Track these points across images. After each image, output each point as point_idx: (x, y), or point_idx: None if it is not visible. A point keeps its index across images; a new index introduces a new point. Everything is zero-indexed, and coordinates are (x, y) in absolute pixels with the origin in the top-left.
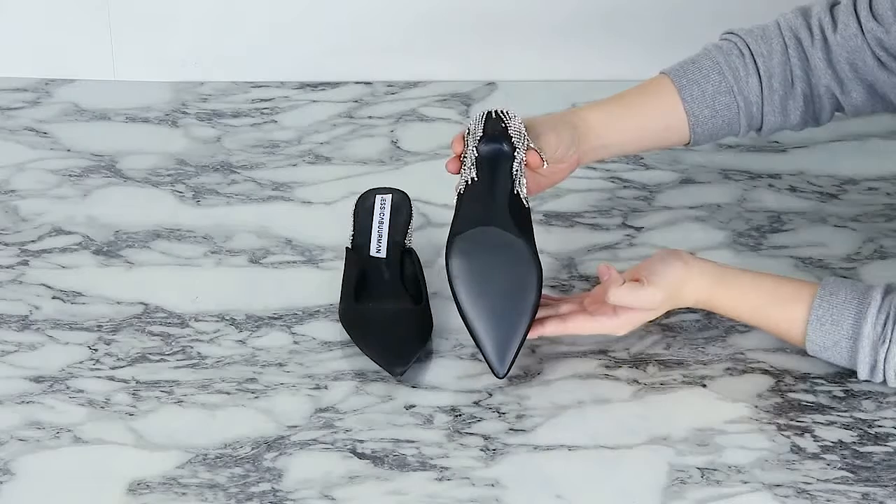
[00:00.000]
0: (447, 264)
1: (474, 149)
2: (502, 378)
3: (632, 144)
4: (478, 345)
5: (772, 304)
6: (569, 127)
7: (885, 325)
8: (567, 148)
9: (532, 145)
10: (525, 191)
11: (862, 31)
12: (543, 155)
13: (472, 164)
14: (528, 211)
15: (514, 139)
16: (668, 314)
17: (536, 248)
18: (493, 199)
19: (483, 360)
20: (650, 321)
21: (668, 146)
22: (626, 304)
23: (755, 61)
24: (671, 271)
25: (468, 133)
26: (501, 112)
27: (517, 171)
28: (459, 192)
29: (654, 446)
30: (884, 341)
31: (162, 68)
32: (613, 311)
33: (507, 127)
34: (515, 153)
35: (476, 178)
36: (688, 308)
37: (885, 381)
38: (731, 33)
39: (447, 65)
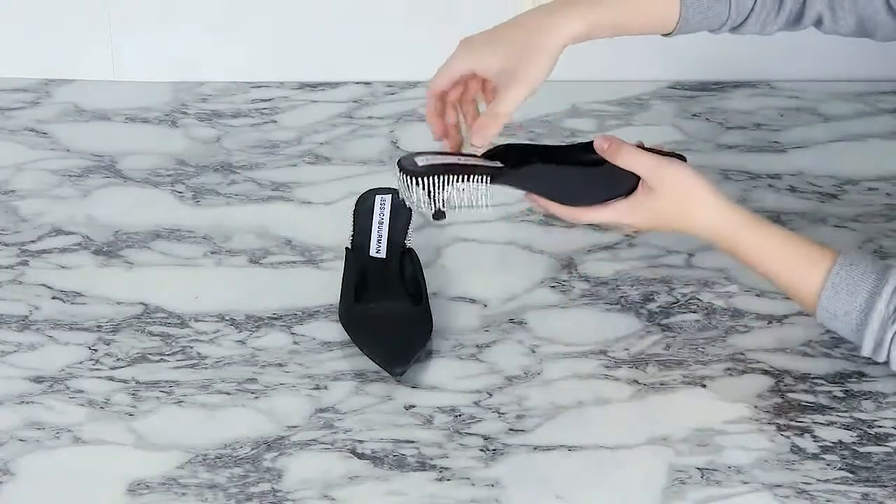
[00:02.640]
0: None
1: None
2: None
3: (621, 28)
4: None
5: (794, 260)
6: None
7: None
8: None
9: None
10: (486, 199)
11: None
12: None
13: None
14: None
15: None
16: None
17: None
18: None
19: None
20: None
21: (646, 34)
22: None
23: None
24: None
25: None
26: (402, 174)
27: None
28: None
29: (654, 446)
30: (893, 322)
31: (162, 68)
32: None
33: (415, 177)
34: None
35: (498, 169)
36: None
37: (888, 362)
38: None
39: None
